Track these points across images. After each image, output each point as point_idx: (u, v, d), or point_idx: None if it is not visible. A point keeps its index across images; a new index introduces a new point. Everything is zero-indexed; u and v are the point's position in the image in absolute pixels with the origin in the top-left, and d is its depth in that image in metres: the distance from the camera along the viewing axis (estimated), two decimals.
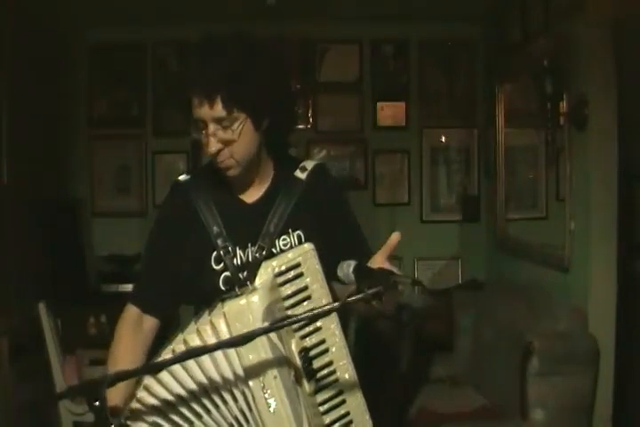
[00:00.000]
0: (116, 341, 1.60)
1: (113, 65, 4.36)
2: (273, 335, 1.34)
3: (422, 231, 4.41)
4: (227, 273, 1.56)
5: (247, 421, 1.37)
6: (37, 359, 3.02)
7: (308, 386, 1.42)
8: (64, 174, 4.19)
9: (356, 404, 1.49)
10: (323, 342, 1.46)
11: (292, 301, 1.43)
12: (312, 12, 4.07)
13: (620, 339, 2.82)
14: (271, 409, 1.33)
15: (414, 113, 4.43)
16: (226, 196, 1.62)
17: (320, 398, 1.45)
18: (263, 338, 1.31)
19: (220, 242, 1.56)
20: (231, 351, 1.34)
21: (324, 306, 1.21)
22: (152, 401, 1.40)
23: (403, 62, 4.45)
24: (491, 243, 4.21)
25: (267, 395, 1.33)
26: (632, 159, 3.00)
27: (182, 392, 1.37)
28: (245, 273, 1.54)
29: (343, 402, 1.47)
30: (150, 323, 1.65)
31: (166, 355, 1.40)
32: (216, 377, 1.36)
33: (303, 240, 1.58)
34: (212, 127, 1.47)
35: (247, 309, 1.35)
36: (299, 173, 1.63)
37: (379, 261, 1.41)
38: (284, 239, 1.59)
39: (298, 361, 1.40)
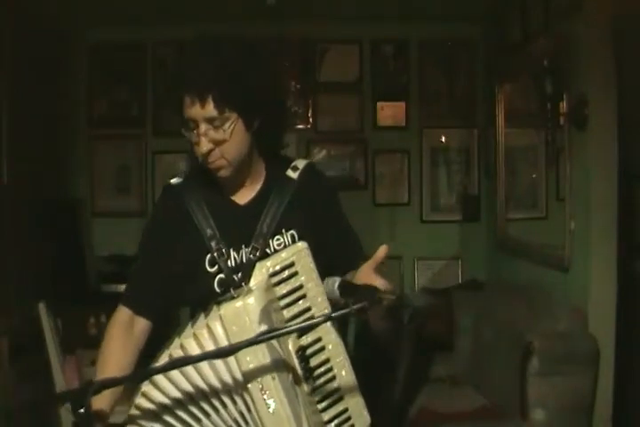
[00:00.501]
0: (106, 342, 1.60)
1: (113, 65, 4.36)
2: (273, 341, 1.34)
3: (422, 231, 4.42)
4: (221, 275, 1.56)
5: (247, 423, 1.37)
6: (37, 359, 3.02)
7: (306, 385, 1.42)
8: (64, 174, 4.19)
9: (354, 400, 1.49)
10: (319, 340, 1.46)
11: (287, 300, 1.44)
12: (312, 12, 4.08)
13: (620, 339, 2.81)
14: (270, 410, 1.33)
15: (414, 113, 4.43)
16: (218, 197, 1.62)
17: (318, 395, 1.45)
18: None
19: (213, 244, 1.56)
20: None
21: (310, 321, 1.24)
22: (150, 407, 1.40)
23: (403, 62, 4.45)
24: (491, 243, 4.21)
25: (265, 396, 1.32)
26: (632, 159, 3.00)
27: (181, 397, 1.37)
28: (240, 274, 1.53)
29: (341, 399, 1.48)
30: (142, 325, 1.65)
31: (163, 359, 1.39)
32: (214, 380, 1.36)
33: (297, 240, 1.58)
34: (203, 127, 1.47)
35: (244, 311, 1.34)
36: (290, 173, 1.63)
37: (365, 272, 1.42)
38: (278, 239, 1.58)
39: (295, 361, 1.41)
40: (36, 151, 3.62)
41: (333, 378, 1.47)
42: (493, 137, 4.04)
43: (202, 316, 1.45)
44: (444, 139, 4.47)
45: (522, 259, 3.65)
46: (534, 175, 3.66)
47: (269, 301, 1.40)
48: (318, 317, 1.29)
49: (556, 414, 2.69)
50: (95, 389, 1.16)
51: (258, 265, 1.46)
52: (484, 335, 3.36)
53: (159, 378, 1.37)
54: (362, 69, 4.42)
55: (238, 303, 1.35)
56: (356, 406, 1.49)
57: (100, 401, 1.40)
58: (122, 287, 4.22)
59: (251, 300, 1.35)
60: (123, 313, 1.64)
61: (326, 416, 1.46)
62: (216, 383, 1.35)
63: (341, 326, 1.54)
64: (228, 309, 1.35)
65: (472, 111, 4.43)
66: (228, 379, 1.35)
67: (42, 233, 3.67)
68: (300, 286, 1.45)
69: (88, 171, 4.36)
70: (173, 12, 4.02)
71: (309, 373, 1.42)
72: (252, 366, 1.32)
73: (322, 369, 1.46)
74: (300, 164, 1.65)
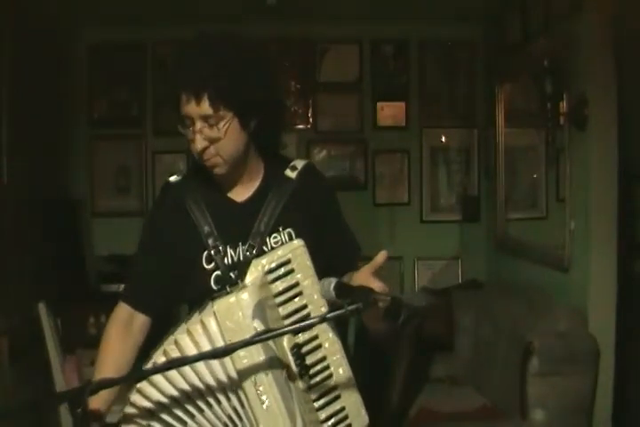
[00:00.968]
0: (105, 339, 1.62)
1: (113, 65, 4.35)
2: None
3: (422, 231, 4.42)
4: (218, 272, 1.56)
5: (240, 419, 1.38)
6: (37, 359, 3.02)
7: (301, 382, 1.42)
8: (64, 174, 4.19)
9: (351, 399, 1.49)
10: (315, 337, 1.46)
11: (283, 297, 1.44)
12: (312, 12, 4.07)
13: (620, 339, 2.82)
14: (264, 406, 1.33)
15: (414, 113, 4.43)
16: (216, 195, 1.63)
17: (315, 393, 1.45)
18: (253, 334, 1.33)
19: (210, 241, 1.57)
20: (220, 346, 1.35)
21: (305, 322, 1.24)
22: (145, 404, 1.40)
23: (403, 62, 4.44)
24: (491, 243, 4.21)
25: (259, 392, 1.33)
26: (632, 159, 3.01)
27: (175, 393, 1.38)
28: (236, 272, 1.53)
29: (338, 397, 1.47)
30: (141, 321, 1.66)
31: (158, 356, 1.40)
32: (208, 377, 1.36)
33: (294, 238, 1.58)
34: (198, 124, 1.48)
35: (237, 306, 1.35)
36: (289, 173, 1.63)
37: (363, 275, 1.42)
38: (275, 237, 1.59)
39: (290, 358, 1.41)
40: (36, 151, 3.62)
41: (330, 376, 1.47)
42: (493, 137, 4.04)
43: (196, 312, 1.46)
44: (444, 139, 4.47)
45: (522, 259, 3.65)
46: (534, 175, 3.66)
47: (264, 297, 1.40)
48: (314, 317, 1.29)
49: (556, 414, 2.69)
50: (92, 389, 1.16)
51: (254, 262, 1.46)
52: (484, 335, 3.37)
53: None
54: (362, 69, 4.42)
55: (232, 299, 1.36)
56: (354, 405, 1.49)
57: (97, 401, 1.40)
58: (122, 287, 4.23)
59: (244, 295, 1.36)
60: (122, 310, 1.65)
61: (323, 415, 1.46)
62: (210, 380, 1.36)
63: (340, 326, 1.53)
64: (221, 304, 1.36)
65: (472, 111, 4.43)
66: (221, 375, 1.36)
67: (42, 233, 3.66)
68: (297, 284, 1.45)
69: (88, 171, 4.36)
70: (173, 12, 4.02)
71: (305, 370, 1.43)
72: (245, 361, 1.32)
73: (318, 367, 1.46)
74: (299, 164, 1.66)
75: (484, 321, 3.43)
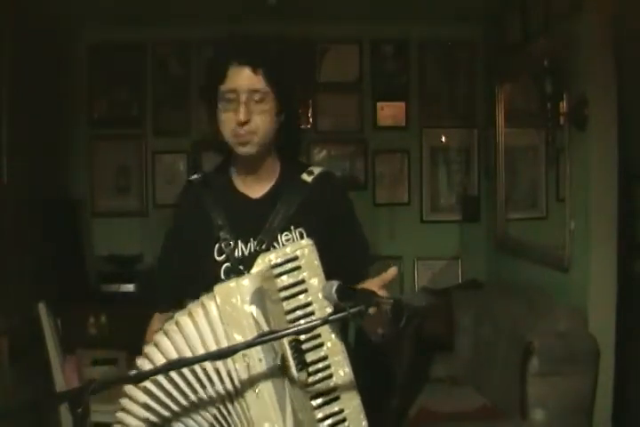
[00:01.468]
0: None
1: (113, 65, 4.36)
2: (262, 322, 1.37)
3: (422, 231, 4.42)
4: (228, 264, 1.61)
5: (232, 403, 1.38)
6: (37, 359, 3.02)
7: (299, 377, 1.42)
8: (64, 174, 4.19)
9: (350, 402, 1.48)
10: (317, 336, 1.47)
11: (287, 293, 1.46)
12: (312, 12, 4.07)
13: (620, 339, 2.82)
14: (255, 391, 1.35)
15: (414, 113, 4.43)
16: (232, 191, 1.69)
17: (313, 392, 1.45)
18: (250, 321, 1.36)
19: (222, 234, 1.62)
20: (220, 332, 1.37)
21: (306, 323, 1.25)
22: (143, 383, 1.40)
23: (403, 62, 4.45)
24: (491, 243, 4.21)
25: (251, 376, 1.35)
26: (632, 159, 3.01)
27: (171, 372, 1.39)
28: (245, 265, 1.57)
29: (337, 398, 1.47)
30: None
31: (159, 336, 1.42)
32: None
33: (305, 238, 1.61)
34: (244, 97, 1.54)
35: (236, 290, 1.38)
36: (305, 176, 1.68)
37: (371, 287, 1.43)
38: (287, 235, 1.62)
39: (288, 350, 1.42)
40: (36, 151, 3.62)
41: (330, 376, 1.46)
42: (493, 137, 4.04)
43: (202, 297, 1.48)
44: (444, 139, 4.47)
45: (522, 259, 3.65)
46: (534, 175, 3.66)
47: (266, 288, 1.42)
48: (317, 319, 1.30)
49: (556, 414, 2.69)
50: (93, 389, 1.16)
51: (261, 256, 1.48)
52: (484, 335, 3.36)
53: (153, 352, 1.40)
54: (362, 69, 4.42)
55: (232, 283, 1.40)
56: (353, 408, 1.48)
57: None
58: (122, 287, 4.23)
59: (245, 281, 1.39)
60: (161, 317, 1.63)
61: (320, 414, 1.45)
62: (207, 362, 1.38)
63: (342, 327, 1.54)
64: (222, 288, 1.40)
65: (472, 111, 4.43)
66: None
67: (42, 233, 3.66)
68: (302, 281, 1.47)
69: (88, 171, 4.36)
70: (173, 12, 4.02)
71: (303, 366, 1.43)
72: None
73: (318, 366, 1.46)
74: (316, 169, 1.71)
75: (484, 321, 3.43)
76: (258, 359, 1.35)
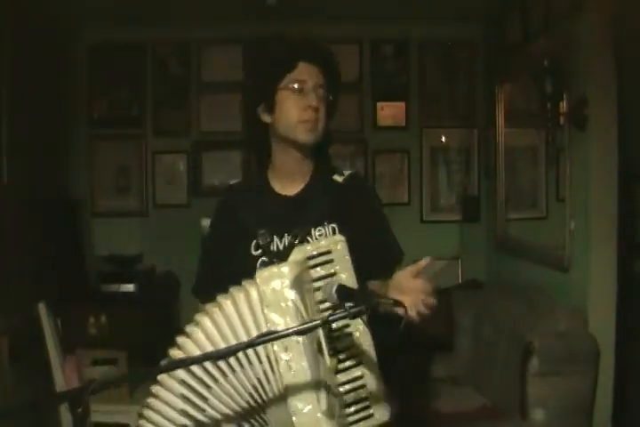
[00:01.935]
0: None
1: (113, 65, 4.35)
2: (300, 307, 1.42)
3: (422, 231, 4.42)
4: (264, 258, 1.72)
5: (269, 382, 1.42)
6: (37, 359, 3.02)
7: (330, 362, 1.45)
8: (64, 174, 4.19)
9: (375, 390, 1.54)
10: (347, 325, 1.52)
11: (320, 283, 1.51)
12: (312, 12, 4.07)
13: (620, 339, 2.82)
14: (292, 372, 1.39)
15: (414, 113, 4.43)
16: (268, 190, 1.80)
17: (341, 378, 1.51)
18: (289, 304, 1.41)
19: (258, 229, 1.72)
20: (259, 314, 1.42)
21: (307, 323, 1.26)
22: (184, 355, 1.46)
23: (403, 62, 4.45)
24: (491, 243, 4.21)
25: (288, 358, 1.39)
26: (632, 159, 3.01)
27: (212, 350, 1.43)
28: (280, 258, 1.64)
29: (363, 386, 1.53)
30: None
31: (201, 316, 1.46)
32: (244, 337, 1.43)
33: (337, 233, 1.69)
34: (313, 87, 1.69)
35: (277, 275, 1.44)
36: (336, 177, 1.80)
37: (402, 277, 1.57)
38: (320, 230, 1.72)
39: (322, 336, 1.45)
40: (36, 151, 3.62)
41: (358, 365, 1.53)
42: (493, 137, 4.04)
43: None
44: (444, 139, 4.47)
45: (522, 259, 3.65)
46: (534, 175, 3.66)
47: (303, 277, 1.48)
48: (317, 319, 1.31)
49: (556, 414, 2.69)
50: (93, 389, 1.16)
51: (296, 248, 1.55)
52: (484, 335, 3.37)
53: (194, 330, 1.45)
54: (362, 69, 4.42)
55: (274, 269, 1.46)
56: (377, 396, 1.54)
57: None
58: (122, 287, 4.23)
59: (284, 269, 1.45)
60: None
61: (347, 399, 1.51)
62: (245, 340, 1.41)
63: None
64: (263, 272, 1.46)
65: (472, 111, 4.43)
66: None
67: (42, 233, 3.66)
68: (334, 274, 1.54)
69: (88, 171, 4.36)
70: (173, 12, 4.02)
71: (334, 351, 1.48)
72: (279, 327, 1.37)
73: (347, 353, 1.53)
74: (347, 171, 1.83)
75: (484, 321, 3.43)
76: (295, 342, 1.39)
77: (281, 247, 1.71)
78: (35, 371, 3.06)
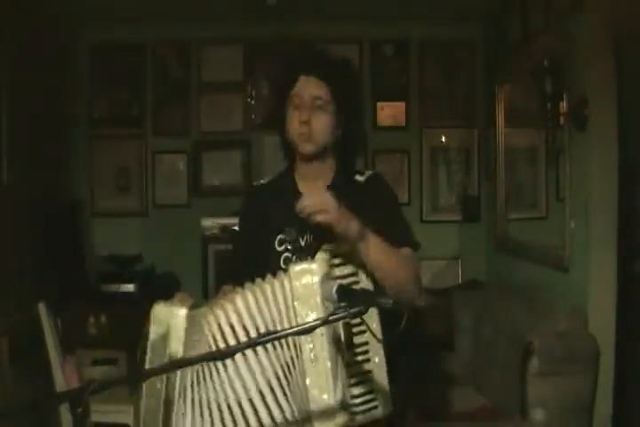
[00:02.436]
0: None
1: (113, 65, 4.36)
2: (326, 301, 1.48)
3: (422, 231, 4.36)
4: (287, 254, 1.81)
5: (294, 367, 1.51)
6: (37, 359, 3.02)
7: (346, 356, 1.54)
8: (64, 174, 4.19)
9: (381, 388, 1.62)
10: (361, 323, 1.58)
11: (342, 281, 1.56)
12: (312, 12, 4.08)
13: (620, 339, 2.82)
14: (312, 363, 1.48)
15: (414, 113, 4.44)
16: (290, 189, 1.89)
17: (352, 371, 1.57)
18: (317, 299, 1.48)
19: (282, 227, 1.82)
20: (289, 305, 1.51)
21: (306, 324, 1.28)
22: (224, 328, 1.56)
23: (403, 62, 4.45)
24: (491, 243, 4.22)
25: (311, 347, 1.48)
26: (632, 159, 3.00)
27: (251, 326, 1.55)
28: (302, 254, 1.76)
29: (370, 381, 1.61)
30: None
31: (235, 296, 1.57)
32: (278, 324, 1.54)
33: None
34: (308, 101, 1.78)
35: (308, 271, 1.52)
36: (358, 177, 1.88)
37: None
38: None
39: (341, 330, 1.55)
40: (36, 151, 3.62)
41: (367, 360, 1.61)
42: (493, 137, 4.04)
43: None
44: (444, 139, 4.48)
45: (522, 259, 3.65)
46: (534, 175, 3.66)
47: (329, 274, 1.54)
48: (317, 319, 1.32)
49: (556, 414, 2.69)
50: (93, 389, 1.16)
51: (323, 247, 1.61)
52: (484, 335, 3.37)
53: (224, 303, 1.56)
54: (362, 69, 4.42)
55: (305, 265, 1.53)
56: (383, 392, 1.62)
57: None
58: (122, 287, 4.22)
59: (314, 265, 1.52)
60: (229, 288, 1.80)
61: (355, 391, 1.58)
62: (277, 325, 1.54)
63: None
64: (295, 267, 1.54)
65: (472, 111, 4.44)
66: (285, 324, 1.53)
67: (42, 233, 3.67)
68: (355, 273, 1.62)
69: (88, 171, 4.36)
70: (173, 12, 4.02)
71: (349, 347, 1.56)
72: (308, 319, 1.46)
73: (359, 349, 1.60)
74: (368, 172, 1.91)
75: (484, 321, 3.43)
76: (320, 333, 1.46)
77: (302, 244, 1.80)
78: (35, 371, 3.06)
